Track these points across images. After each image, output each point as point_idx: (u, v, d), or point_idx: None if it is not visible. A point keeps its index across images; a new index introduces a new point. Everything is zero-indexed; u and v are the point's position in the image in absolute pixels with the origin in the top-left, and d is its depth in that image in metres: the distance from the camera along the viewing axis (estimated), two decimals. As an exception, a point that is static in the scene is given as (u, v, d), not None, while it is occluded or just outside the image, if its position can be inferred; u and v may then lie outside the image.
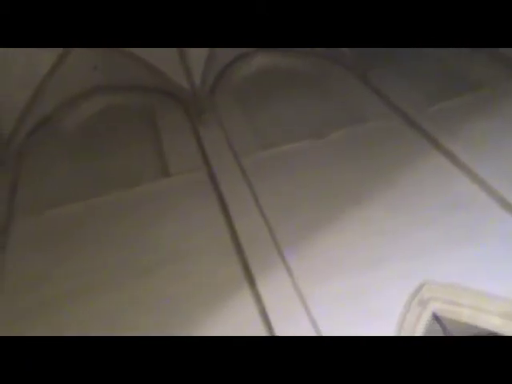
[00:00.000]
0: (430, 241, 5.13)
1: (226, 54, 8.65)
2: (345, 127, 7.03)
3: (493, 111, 6.81)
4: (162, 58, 8.05)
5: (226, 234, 5.60)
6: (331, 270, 5.02)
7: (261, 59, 9.06)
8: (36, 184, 6.96)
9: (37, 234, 6.12)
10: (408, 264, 4.92)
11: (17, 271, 5.63)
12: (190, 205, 6.12)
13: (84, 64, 8.12)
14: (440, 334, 4.50)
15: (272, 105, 7.96)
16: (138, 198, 6.38)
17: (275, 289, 4.87)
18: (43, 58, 7.64)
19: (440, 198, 5.64)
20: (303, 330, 4.43)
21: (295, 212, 5.75)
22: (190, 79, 8.14)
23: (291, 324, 4.50)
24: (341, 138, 6.86)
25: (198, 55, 8.11)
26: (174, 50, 7.87)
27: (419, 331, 4.41)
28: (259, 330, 4.56)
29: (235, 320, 4.71)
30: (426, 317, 4.52)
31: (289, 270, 5.06)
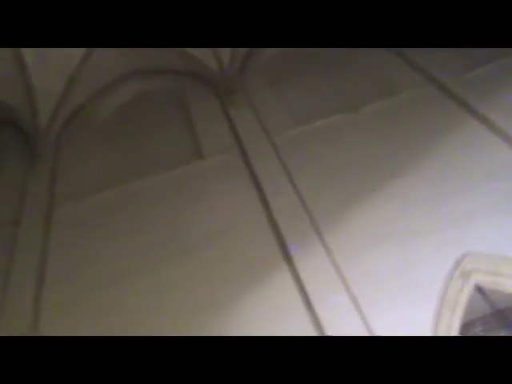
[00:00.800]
0: (470, 210, 4.99)
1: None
2: (377, 100, 6.86)
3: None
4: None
5: (262, 213, 5.61)
6: (369, 244, 4.96)
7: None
8: (74, 172, 7.15)
9: (78, 220, 6.31)
10: (448, 235, 4.81)
11: (61, 257, 5.84)
12: (225, 185, 6.16)
13: (114, 51, 8.21)
14: (483, 305, 4.42)
15: (301, 81, 7.84)
16: (173, 181, 6.47)
17: (313, 265, 4.86)
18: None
19: (478, 166, 5.46)
20: (343, 306, 4.43)
21: (330, 188, 5.70)
22: (218, 60, 8.11)
23: (330, 300, 4.49)
24: (373, 111, 6.71)
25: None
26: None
27: (462, 304, 4.33)
28: (298, 307, 4.58)
29: (274, 298, 4.76)
30: (469, 289, 4.43)
31: (326, 245, 5.03)
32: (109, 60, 8.27)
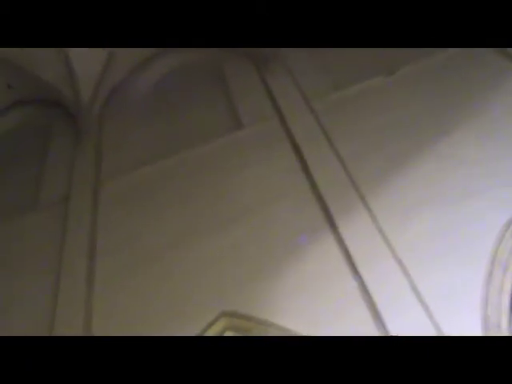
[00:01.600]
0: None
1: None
2: (416, 60, 6.61)
3: None
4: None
5: (304, 180, 5.56)
6: (415, 206, 4.86)
7: None
8: (117, 147, 7.29)
9: (123, 194, 6.46)
10: (499, 194, 4.65)
11: (109, 231, 6.02)
12: (265, 154, 6.13)
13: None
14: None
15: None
16: (213, 153, 6.49)
17: (358, 231, 4.82)
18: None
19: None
20: (389, 270, 4.39)
21: (373, 151, 5.58)
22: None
23: (377, 266, 4.46)
24: (413, 71, 6.48)
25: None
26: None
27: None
28: (344, 275, 4.58)
29: (319, 267, 4.75)
30: (521, 249, 4.30)
31: (370, 211, 4.96)
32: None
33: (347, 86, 6.61)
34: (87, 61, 7.81)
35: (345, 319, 4.26)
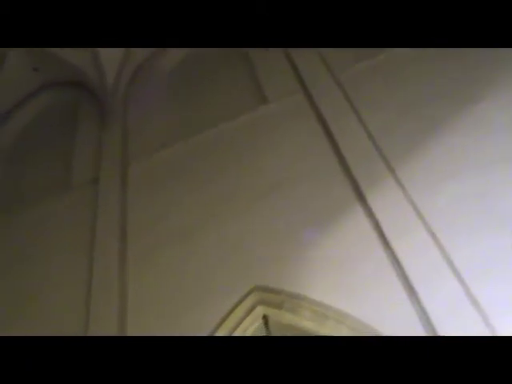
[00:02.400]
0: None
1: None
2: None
3: None
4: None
5: (332, 154, 5.48)
6: (445, 176, 4.72)
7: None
8: (143, 127, 7.33)
9: (151, 174, 6.51)
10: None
11: (138, 211, 6.10)
12: (292, 128, 6.05)
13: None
14: None
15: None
16: (238, 129, 6.44)
17: (388, 204, 4.73)
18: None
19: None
20: (421, 242, 4.30)
21: (400, 122, 5.42)
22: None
23: (408, 237, 4.38)
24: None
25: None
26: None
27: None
28: (375, 245, 4.53)
29: (350, 241, 4.71)
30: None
31: (400, 183, 4.86)
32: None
33: (372, 57, 6.39)
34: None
35: (377, 292, 4.24)
